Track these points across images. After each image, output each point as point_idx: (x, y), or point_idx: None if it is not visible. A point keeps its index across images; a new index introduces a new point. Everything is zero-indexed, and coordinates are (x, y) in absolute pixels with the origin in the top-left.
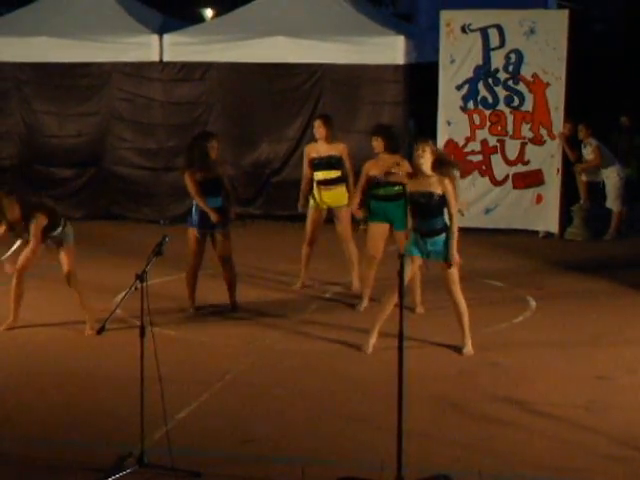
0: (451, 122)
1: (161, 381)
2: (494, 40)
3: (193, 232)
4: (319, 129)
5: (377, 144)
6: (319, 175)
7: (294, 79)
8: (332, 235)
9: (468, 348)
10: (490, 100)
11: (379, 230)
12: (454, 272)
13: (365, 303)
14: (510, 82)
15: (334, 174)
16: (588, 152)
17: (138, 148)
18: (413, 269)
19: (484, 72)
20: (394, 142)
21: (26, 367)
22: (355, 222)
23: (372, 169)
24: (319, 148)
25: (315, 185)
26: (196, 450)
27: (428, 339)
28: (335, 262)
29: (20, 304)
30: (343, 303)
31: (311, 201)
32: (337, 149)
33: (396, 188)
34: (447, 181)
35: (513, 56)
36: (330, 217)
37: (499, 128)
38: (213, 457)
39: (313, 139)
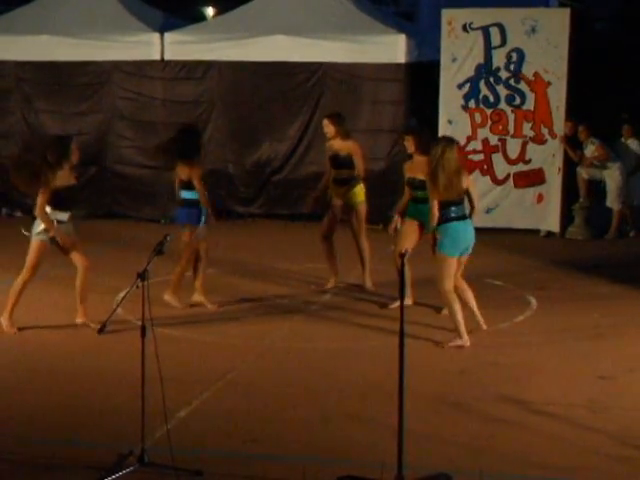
0: (452, 121)
1: (162, 380)
2: (495, 39)
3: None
4: (326, 128)
5: (408, 144)
6: (332, 173)
7: (295, 78)
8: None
9: (455, 341)
10: (491, 99)
11: (412, 228)
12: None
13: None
14: (511, 81)
15: (345, 173)
16: (592, 151)
17: (139, 147)
18: None
19: (485, 71)
20: (425, 143)
21: (27, 366)
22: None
23: (407, 171)
24: (333, 145)
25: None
26: (197, 449)
27: (429, 338)
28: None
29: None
30: (345, 302)
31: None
32: (347, 147)
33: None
34: None
35: (514, 55)
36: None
37: (500, 127)
38: (214, 456)
39: (313, 138)
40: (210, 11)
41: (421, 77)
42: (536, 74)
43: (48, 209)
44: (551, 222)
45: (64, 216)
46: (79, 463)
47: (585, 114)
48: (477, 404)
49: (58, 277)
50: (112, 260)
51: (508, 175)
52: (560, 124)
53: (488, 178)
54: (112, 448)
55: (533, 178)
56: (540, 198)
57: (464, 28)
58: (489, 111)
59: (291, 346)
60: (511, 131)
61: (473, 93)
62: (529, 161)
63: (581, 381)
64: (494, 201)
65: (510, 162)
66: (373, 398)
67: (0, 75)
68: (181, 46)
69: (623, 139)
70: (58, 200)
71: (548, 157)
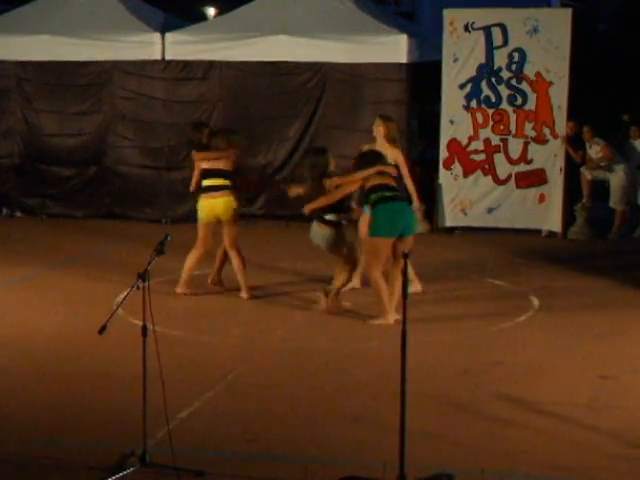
0: (454, 121)
1: (163, 380)
2: (497, 39)
3: None
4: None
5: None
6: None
7: (296, 78)
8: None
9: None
10: (493, 99)
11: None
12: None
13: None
14: (513, 81)
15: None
16: (596, 151)
17: (140, 147)
18: None
19: (487, 71)
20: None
21: (27, 366)
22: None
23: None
24: None
25: None
26: (199, 449)
27: (431, 338)
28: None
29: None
30: (345, 302)
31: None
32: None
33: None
34: None
35: (516, 55)
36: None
37: (502, 127)
38: (216, 456)
39: (315, 138)
40: (211, 11)
41: (423, 77)
42: (538, 74)
43: None
44: (553, 222)
45: None
46: (80, 463)
47: (586, 114)
48: (479, 404)
49: (56, 277)
50: (113, 260)
51: (510, 175)
52: (562, 124)
53: (490, 178)
54: (114, 448)
55: (535, 178)
56: (542, 198)
57: (466, 28)
58: (491, 111)
59: (292, 346)
60: (513, 131)
61: (475, 93)
62: (531, 161)
63: (583, 381)
64: (496, 201)
65: (512, 162)
66: (375, 398)
67: (0, 75)
68: (182, 46)
69: (631, 140)
70: None
71: (550, 157)
